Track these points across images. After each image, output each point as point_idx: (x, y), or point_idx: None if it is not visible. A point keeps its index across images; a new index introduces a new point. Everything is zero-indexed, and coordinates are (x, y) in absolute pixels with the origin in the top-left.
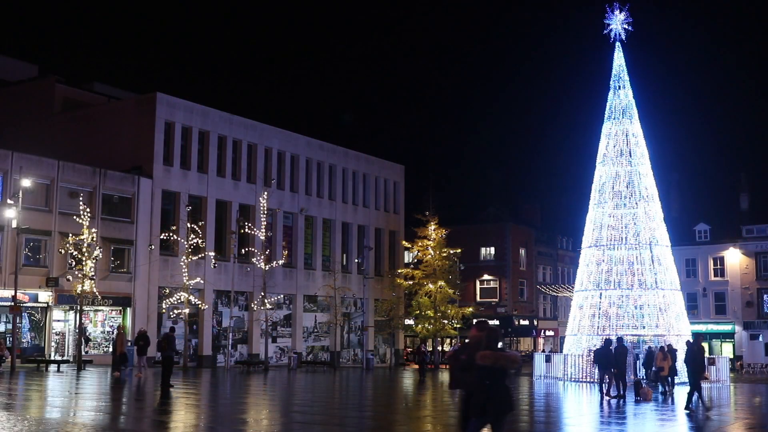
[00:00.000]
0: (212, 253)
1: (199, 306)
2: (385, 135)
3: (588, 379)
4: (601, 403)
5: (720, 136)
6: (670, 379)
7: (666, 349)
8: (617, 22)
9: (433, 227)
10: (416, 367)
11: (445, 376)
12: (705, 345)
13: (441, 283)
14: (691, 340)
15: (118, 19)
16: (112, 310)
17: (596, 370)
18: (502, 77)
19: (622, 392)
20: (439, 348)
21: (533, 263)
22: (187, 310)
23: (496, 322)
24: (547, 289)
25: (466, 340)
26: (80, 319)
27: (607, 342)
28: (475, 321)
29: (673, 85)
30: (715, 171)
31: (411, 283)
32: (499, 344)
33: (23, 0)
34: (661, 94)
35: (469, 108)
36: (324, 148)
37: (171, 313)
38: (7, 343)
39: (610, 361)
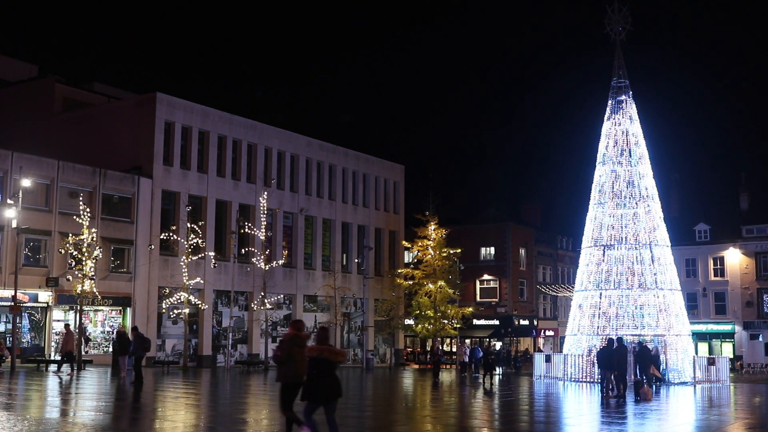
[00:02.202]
0: (212, 253)
1: (199, 306)
2: (385, 135)
3: (588, 379)
4: (602, 403)
5: (720, 136)
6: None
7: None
8: (617, 22)
9: (433, 227)
10: (417, 366)
11: (444, 376)
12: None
13: (441, 283)
14: (643, 341)
15: (118, 19)
16: (112, 310)
17: (597, 370)
18: (502, 77)
19: (622, 392)
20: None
21: (533, 263)
22: (187, 310)
23: (497, 322)
24: (547, 289)
25: (281, 339)
26: (80, 319)
27: (610, 342)
28: (292, 320)
29: (672, 85)
30: (715, 171)
31: (411, 283)
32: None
33: (23, 0)
34: (661, 94)
35: (469, 108)
36: (324, 148)
37: (171, 313)
38: (7, 343)
39: (613, 362)
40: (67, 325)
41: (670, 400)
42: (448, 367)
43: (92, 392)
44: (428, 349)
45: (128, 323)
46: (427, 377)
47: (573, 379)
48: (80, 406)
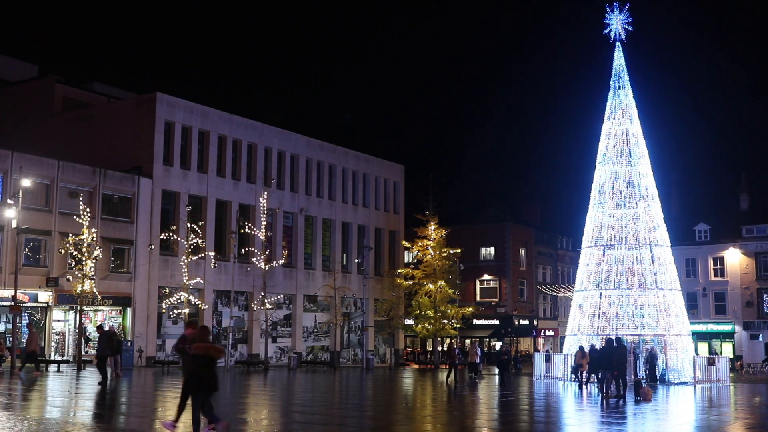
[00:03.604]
0: (212, 253)
1: (199, 306)
2: (385, 135)
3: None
4: (602, 403)
5: (720, 136)
6: (587, 374)
7: (584, 348)
8: (617, 22)
9: (433, 227)
10: (417, 366)
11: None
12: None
13: (441, 283)
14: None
15: (118, 19)
16: (112, 310)
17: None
18: (502, 77)
19: (622, 392)
20: (439, 348)
21: (533, 263)
22: (187, 310)
23: (496, 322)
24: (547, 289)
25: (185, 336)
26: (80, 319)
27: (609, 342)
28: (188, 320)
29: (673, 85)
30: (715, 171)
31: (411, 283)
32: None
33: (23, 0)
34: (661, 94)
35: (469, 108)
36: (324, 148)
37: (171, 313)
38: (7, 343)
39: (612, 361)
40: (29, 325)
41: (670, 400)
42: (444, 366)
43: (92, 392)
44: (428, 349)
45: (128, 323)
46: (427, 377)
47: (573, 380)
48: (80, 406)
